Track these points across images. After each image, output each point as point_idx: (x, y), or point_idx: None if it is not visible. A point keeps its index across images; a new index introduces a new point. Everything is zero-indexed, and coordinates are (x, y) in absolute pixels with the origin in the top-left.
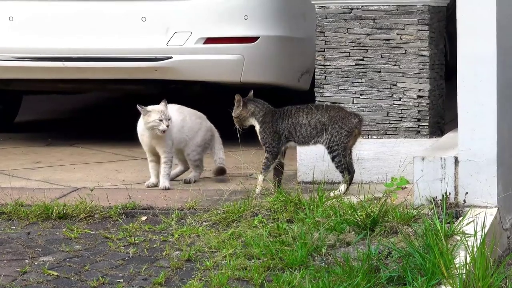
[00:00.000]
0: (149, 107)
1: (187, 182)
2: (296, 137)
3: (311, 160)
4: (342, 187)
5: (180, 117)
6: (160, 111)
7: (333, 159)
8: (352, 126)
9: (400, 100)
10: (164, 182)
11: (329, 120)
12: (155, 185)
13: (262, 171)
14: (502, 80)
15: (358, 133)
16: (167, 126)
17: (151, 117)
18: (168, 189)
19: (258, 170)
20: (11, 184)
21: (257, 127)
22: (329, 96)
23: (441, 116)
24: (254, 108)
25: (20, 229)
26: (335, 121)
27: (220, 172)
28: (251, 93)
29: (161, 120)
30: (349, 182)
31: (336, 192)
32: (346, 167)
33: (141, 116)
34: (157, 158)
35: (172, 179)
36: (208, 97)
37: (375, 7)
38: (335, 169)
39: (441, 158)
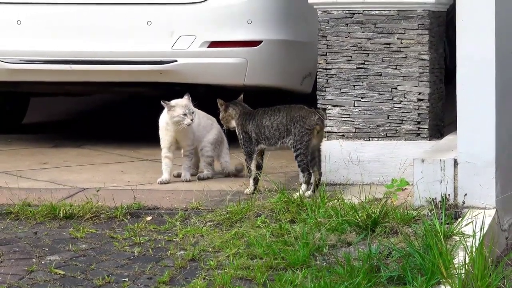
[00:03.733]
0: (173, 102)
1: (201, 179)
2: (262, 139)
3: None
4: (303, 187)
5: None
6: (184, 105)
7: (296, 158)
8: (313, 124)
9: (400, 103)
10: (186, 175)
11: (291, 121)
12: (168, 182)
13: (248, 172)
14: (501, 82)
15: (321, 129)
16: (192, 120)
17: (176, 112)
18: (189, 181)
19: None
20: (19, 185)
21: (236, 129)
22: (330, 99)
23: (440, 119)
24: (232, 111)
25: (27, 228)
26: (296, 121)
27: (240, 170)
28: (241, 96)
29: (185, 115)
30: (318, 182)
31: (296, 193)
32: (307, 167)
33: (165, 110)
34: (172, 155)
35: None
36: (207, 99)
37: (376, 12)
38: (298, 168)
39: (440, 160)
